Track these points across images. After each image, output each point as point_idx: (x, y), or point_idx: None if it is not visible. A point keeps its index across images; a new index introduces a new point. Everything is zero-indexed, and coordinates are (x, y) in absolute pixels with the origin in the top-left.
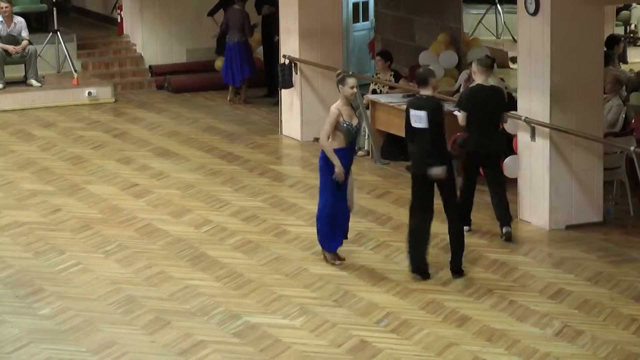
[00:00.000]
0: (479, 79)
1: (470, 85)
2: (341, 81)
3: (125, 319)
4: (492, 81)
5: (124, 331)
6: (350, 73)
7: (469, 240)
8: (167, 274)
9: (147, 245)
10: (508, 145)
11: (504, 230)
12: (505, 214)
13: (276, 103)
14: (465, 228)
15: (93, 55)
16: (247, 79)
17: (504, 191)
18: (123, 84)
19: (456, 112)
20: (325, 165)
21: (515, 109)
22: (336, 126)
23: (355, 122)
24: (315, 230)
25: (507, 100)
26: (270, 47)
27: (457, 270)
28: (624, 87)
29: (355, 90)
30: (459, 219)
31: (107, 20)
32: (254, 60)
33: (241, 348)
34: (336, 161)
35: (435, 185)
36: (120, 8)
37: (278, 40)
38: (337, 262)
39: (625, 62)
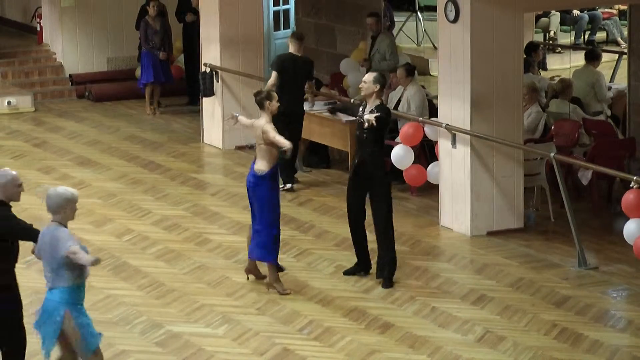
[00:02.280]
0: (290, 49)
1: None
2: (268, 97)
3: None
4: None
5: None
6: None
7: None
8: (88, 283)
9: None
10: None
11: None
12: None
13: (198, 111)
14: (287, 186)
15: (12, 64)
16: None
17: (296, 149)
18: (43, 92)
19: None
20: (268, 180)
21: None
22: (272, 144)
23: None
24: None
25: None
26: (192, 55)
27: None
28: (544, 94)
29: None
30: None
31: (27, 29)
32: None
33: (164, 357)
34: (283, 140)
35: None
36: (40, 17)
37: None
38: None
39: (544, 69)
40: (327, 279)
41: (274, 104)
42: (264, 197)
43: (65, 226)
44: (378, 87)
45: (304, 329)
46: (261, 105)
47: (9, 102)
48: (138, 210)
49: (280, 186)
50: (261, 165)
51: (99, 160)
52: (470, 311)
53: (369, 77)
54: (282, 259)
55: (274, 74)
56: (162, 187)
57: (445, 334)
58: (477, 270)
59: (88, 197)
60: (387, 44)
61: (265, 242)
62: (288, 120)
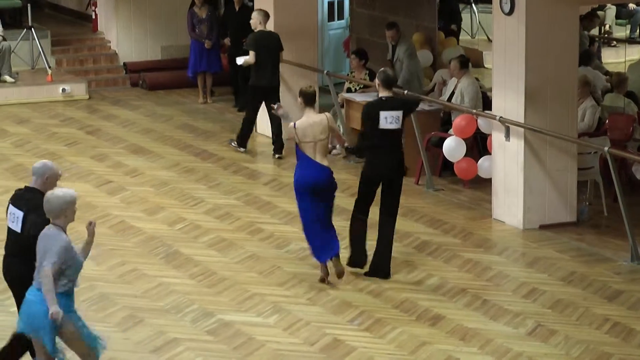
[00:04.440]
0: (260, 27)
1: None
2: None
3: (98, 316)
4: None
5: (97, 328)
6: (326, 72)
7: (443, 239)
8: (140, 272)
9: (120, 242)
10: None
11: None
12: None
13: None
14: (241, 149)
15: (67, 52)
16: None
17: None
18: (97, 80)
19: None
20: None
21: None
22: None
23: None
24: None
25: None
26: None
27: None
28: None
29: None
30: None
31: (82, 17)
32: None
33: (214, 346)
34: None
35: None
36: (95, 5)
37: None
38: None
39: (599, 62)
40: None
41: None
42: (334, 194)
43: (65, 231)
44: (379, 83)
45: (355, 320)
46: (313, 101)
47: (63, 90)
48: (190, 199)
49: (242, 149)
50: (326, 162)
51: (152, 149)
52: (522, 304)
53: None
54: None
55: (252, 53)
56: (215, 176)
57: (496, 327)
58: (528, 263)
59: (141, 186)
60: (404, 50)
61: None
62: (268, 93)
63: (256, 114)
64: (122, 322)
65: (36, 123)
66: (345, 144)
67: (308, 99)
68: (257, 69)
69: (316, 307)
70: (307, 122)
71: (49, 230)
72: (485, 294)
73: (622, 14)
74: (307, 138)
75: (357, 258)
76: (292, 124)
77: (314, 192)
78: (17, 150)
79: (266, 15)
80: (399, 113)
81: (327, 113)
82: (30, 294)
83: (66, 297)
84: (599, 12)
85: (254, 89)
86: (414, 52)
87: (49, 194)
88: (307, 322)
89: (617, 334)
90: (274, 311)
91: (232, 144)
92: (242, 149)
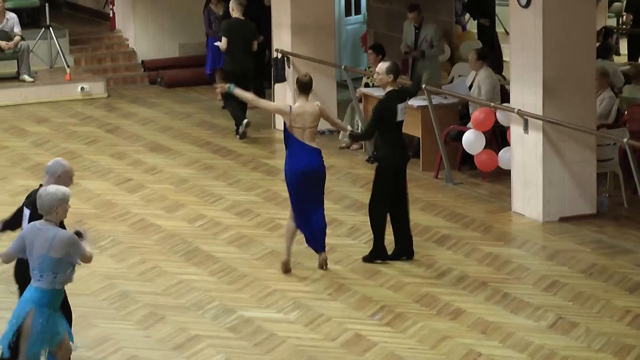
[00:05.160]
0: (235, 14)
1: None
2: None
3: (119, 314)
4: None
5: (118, 326)
6: (343, 67)
7: (463, 233)
8: (161, 269)
9: (141, 240)
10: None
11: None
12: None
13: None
14: (245, 121)
15: (85, 51)
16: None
17: (235, 105)
18: (115, 79)
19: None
20: (323, 168)
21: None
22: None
23: None
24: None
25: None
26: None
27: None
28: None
29: None
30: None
31: (99, 15)
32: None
33: (235, 342)
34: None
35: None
36: (113, 3)
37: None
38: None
39: (617, 54)
40: (398, 265)
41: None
42: (324, 178)
43: (60, 226)
44: (392, 77)
45: (376, 315)
46: (310, 90)
47: (82, 88)
48: (210, 196)
49: (245, 121)
50: (315, 144)
51: (171, 146)
52: (543, 297)
53: (382, 67)
54: (354, 244)
55: (224, 39)
56: (234, 173)
57: (517, 320)
58: (549, 256)
59: (160, 183)
60: (435, 30)
61: (324, 227)
62: (239, 78)
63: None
64: (143, 320)
65: (55, 122)
66: (349, 129)
67: (302, 86)
68: (229, 54)
69: (337, 302)
70: (300, 109)
71: (42, 226)
72: (505, 287)
73: None
74: (297, 124)
75: (384, 251)
76: (289, 105)
77: (307, 177)
78: (37, 150)
79: (241, 4)
80: (406, 103)
81: (317, 102)
82: (27, 290)
83: (53, 294)
84: (617, 4)
85: (227, 74)
86: (441, 35)
87: (41, 190)
88: (328, 318)
89: (638, 326)
90: (295, 307)
91: (237, 135)
92: (245, 121)
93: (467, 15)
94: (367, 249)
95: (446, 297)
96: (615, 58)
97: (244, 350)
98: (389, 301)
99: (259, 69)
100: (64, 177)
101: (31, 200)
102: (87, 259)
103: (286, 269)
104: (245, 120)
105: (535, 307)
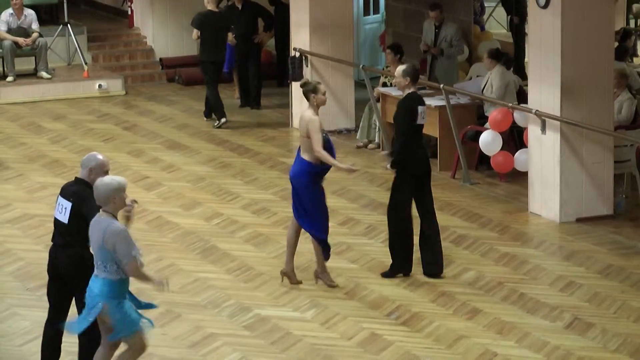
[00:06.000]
0: (209, 7)
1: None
2: (314, 90)
3: None
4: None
5: None
6: (361, 66)
7: (479, 233)
8: (177, 267)
9: (157, 237)
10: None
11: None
12: None
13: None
14: (223, 120)
15: (103, 48)
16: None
17: (214, 92)
18: (133, 76)
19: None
20: (311, 179)
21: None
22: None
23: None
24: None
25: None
26: (282, 40)
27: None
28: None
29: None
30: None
31: (118, 12)
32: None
33: (252, 341)
34: (339, 163)
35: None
36: (131, 1)
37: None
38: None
39: (635, 55)
40: (415, 264)
41: (320, 97)
42: (298, 189)
43: (116, 217)
44: (408, 79)
45: (392, 314)
46: (307, 97)
47: (100, 86)
48: (227, 194)
49: (224, 120)
50: (306, 156)
51: (188, 144)
52: (559, 297)
53: (399, 70)
54: (371, 243)
55: (195, 30)
56: (251, 171)
57: (533, 320)
58: (565, 256)
59: (177, 181)
60: (455, 30)
61: (315, 241)
62: (213, 67)
63: (216, 85)
64: (160, 318)
65: (73, 119)
66: (384, 152)
67: (303, 93)
68: (202, 45)
69: (353, 301)
70: (300, 115)
71: (100, 218)
72: (522, 287)
73: None
74: (299, 130)
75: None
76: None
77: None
78: (54, 147)
79: None
80: (425, 107)
81: (314, 117)
82: (92, 281)
83: (120, 284)
84: (636, 5)
85: (201, 63)
86: (460, 34)
87: (98, 181)
88: (344, 317)
89: None
90: (311, 306)
91: (215, 124)
92: (224, 120)
93: (486, 16)
94: (383, 248)
95: (462, 297)
96: (635, 60)
97: (260, 348)
98: (405, 300)
99: (257, 69)
100: (97, 171)
101: (72, 192)
102: (133, 265)
103: (293, 282)
104: (225, 119)
105: (551, 308)
